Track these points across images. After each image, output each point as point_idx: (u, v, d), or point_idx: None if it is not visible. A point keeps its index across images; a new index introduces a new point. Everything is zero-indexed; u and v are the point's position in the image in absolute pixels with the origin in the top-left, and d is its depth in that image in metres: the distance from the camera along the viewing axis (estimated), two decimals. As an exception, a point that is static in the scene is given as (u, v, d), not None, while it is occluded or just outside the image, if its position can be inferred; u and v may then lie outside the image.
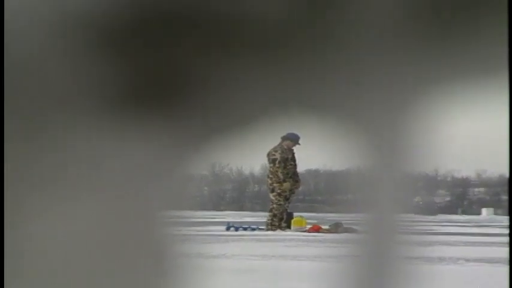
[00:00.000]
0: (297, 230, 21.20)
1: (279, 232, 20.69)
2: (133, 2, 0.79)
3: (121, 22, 0.79)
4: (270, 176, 22.22)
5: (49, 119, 0.78)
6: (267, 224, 22.39)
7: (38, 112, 0.78)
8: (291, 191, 22.22)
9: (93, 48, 0.77)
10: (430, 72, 0.80)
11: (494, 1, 0.77)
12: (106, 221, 0.76)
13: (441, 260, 8.91)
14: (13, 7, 0.81)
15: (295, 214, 22.52)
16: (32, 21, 0.80)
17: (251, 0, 0.78)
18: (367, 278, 0.78)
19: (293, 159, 21.68)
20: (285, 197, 22.03)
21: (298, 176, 22.26)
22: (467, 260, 11.73)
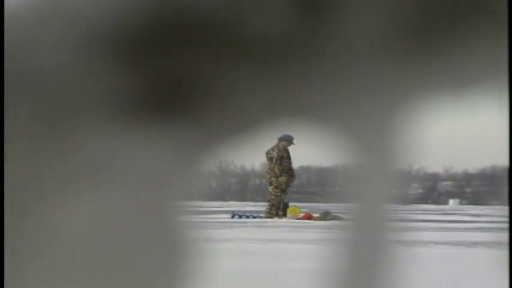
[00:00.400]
0: (291, 218, 21.30)
1: (276, 219, 20.90)
2: (144, 15, 0.78)
3: (133, 34, 0.78)
4: (269, 171, 22.54)
5: (69, 122, 0.77)
6: (266, 213, 22.64)
7: (57, 117, 0.77)
8: (287, 184, 22.56)
9: (108, 59, 0.76)
10: (415, 80, 0.79)
11: (481, 10, 0.76)
12: (130, 211, 0.75)
13: (415, 243, 8.86)
14: (29, 19, 0.79)
15: (290, 204, 22.72)
16: (50, 32, 0.78)
17: (254, 17, 0.77)
18: (353, 258, 0.77)
19: (288, 157, 22.01)
20: (281, 189, 22.37)
21: (292, 171, 22.59)
22: (437, 243, 11.68)
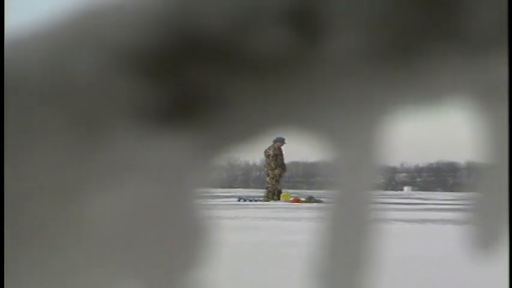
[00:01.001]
0: (284, 201, 22.07)
1: (272, 202, 21.67)
2: (164, 37, 0.73)
3: (155, 52, 0.74)
4: (266, 166, 23.55)
5: (103, 126, 0.73)
6: (265, 197, 23.44)
7: (93, 121, 0.73)
8: (280, 175, 23.50)
9: (135, 73, 0.73)
10: (389, 93, 0.76)
11: (454, 32, 0.72)
12: (157, 199, 0.73)
13: (379, 220, 8.92)
14: (70, 37, 0.74)
15: (283, 190, 23.31)
16: (87, 49, 0.74)
17: (255, 38, 0.73)
18: (332, 232, 0.76)
19: (281, 154, 22.96)
20: (276, 179, 23.26)
21: (284, 165, 23.55)
22: (396, 220, 11.81)
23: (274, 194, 23.01)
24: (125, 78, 0.72)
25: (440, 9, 0.71)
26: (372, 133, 0.78)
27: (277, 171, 22.92)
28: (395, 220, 11.97)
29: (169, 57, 0.72)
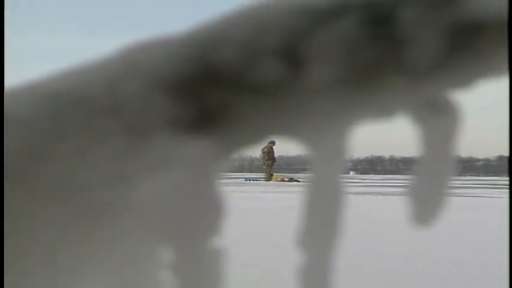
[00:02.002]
0: (275, 181, 22.53)
1: (267, 182, 22.01)
2: (188, 67, 0.67)
3: (183, 78, 0.68)
4: (262, 158, 24.50)
5: (148, 133, 0.67)
6: (264, 179, 24.04)
7: (140, 130, 0.67)
8: (272, 165, 24.39)
9: (168, 94, 0.67)
10: (353, 109, 0.70)
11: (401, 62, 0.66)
12: (189, 184, 0.66)
13: (339, 193, 9.10)
14: (120, 67, 0.69)
15: (274, 174, 23.87)
16: (136, 76, 0.68)
17: (256, 67, 0.66)
18: (309, 201, 0.72)
19: (272, 151, 23.81)
20: (269, 167, 23.87)
21: (274, 158, 24.54)
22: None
23: (268, 176, 23.56)
24: (162, 98, 0.67)
25: (391, 47, 0.65)
26: (337, 137, 0.71)
27: (269, 162, 23.77)
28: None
29: (193, 82, 0.67)
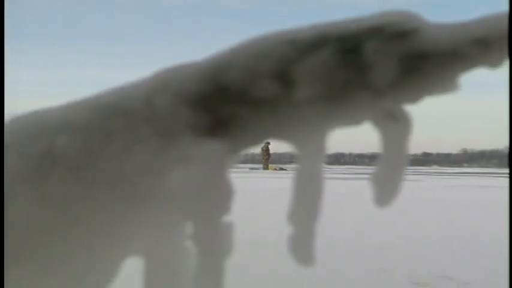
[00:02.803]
0: (270, 170, 22.67)
1: (264, 171, 22.11)
2: (206, 86, 0.64)
3: (201, 96, 0.64)
4: (261, 154, 24.53)
5: (174, 137, 0.63)
6: (262, 168, 24.13)
7: (168, 135, 0.63)
8: (268, 159, 24.29)
9: (190, 108, 0.63)
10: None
11: None
12: (209, 172, 0.63)
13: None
14: (156, 82, 0.66)
15: (270, 165, 23.97)
16: (168, 94, 0.64)
17: (255, 87, 0.64)
18: (295, 186, 0.68)
19: (268, 149, 23.99)
20: (266, 160, 23.92)
21: (270, 154, 24.39)
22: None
23: (265, 167, 23.70)
24: (186, 109, 0.63)
25: (359, 71, 0.61)
26: (317, 140, 0.67)
27: (266, 157, 24.19)
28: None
29: (209, 97, 0.63)
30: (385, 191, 0.62)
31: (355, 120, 0.64)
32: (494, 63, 0.61)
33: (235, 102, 0.64)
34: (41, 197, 0.63)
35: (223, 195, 0.64)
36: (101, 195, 0.63)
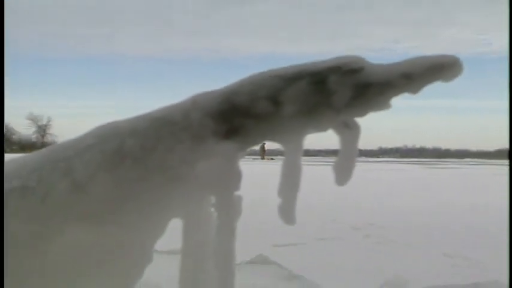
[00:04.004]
0: (265, 160, 21.77)
1: (262, 160, 21.21)
2: (224, 105, 0.60)
3: (219, 111, 0.61)
4: (260, 150, 23.31)
5: (195, 141, 0.59)
6: (260, 159, 23.20)
7: (192, 140, 0.60)
8: (264, 153, 23.25)
9: (211, 119, 0.60)
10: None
11: None
12: (222, 163, 0.60)
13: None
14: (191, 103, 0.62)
15: (265, 157, 23.13)
16: (197, 108, 0.60)
17: (260, 106, 0.60)
18: (283, 171, 0.63)
19: (264, 147, 22.61)
20: (263, 154, 22.95)
21: (265, 150, 23.32)
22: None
23: (262, 158, 23.10)
24: (209, 121, 0.60)
25: (325, 95, 0.59)
26: (297, 141, 0.64)
27: (263, 152, 23.17)
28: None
29: (225, 113, 0.60)
30: (343, 174, 0.60)
31: (322, 129, 0.62)
32: (415, 91, 0.59)
33: (242, 116, 0.61)
34: (115, 179, 0.60)
35: (234, 178, 0.61)
36: (155, 178, 0.60)
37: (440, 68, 0.55)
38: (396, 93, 0.59)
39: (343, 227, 2.42)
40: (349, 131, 0.60)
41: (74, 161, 0.58)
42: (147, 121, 0.62)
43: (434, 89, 0.58)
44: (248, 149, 0.66)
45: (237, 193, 0.61)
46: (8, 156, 0.65)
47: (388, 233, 2.30)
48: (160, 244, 0.64)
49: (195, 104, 0.62)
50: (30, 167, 0.59)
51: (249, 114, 0.61)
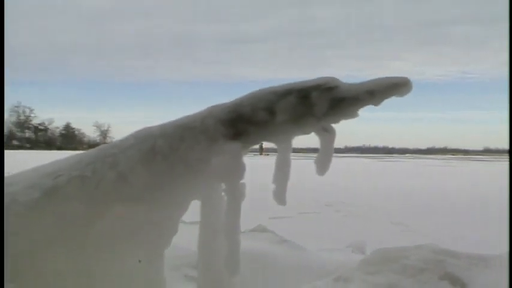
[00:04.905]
0: (263, 155, 20.79)
1: (260, 156, 20.18)
2: (232, 115, 0.56)
3: (227, 120, 0.57)
4: (259, 148, 21.96)
5: (211, 140, 0.55)
6: (259, 154, 21.99)
7: (208, 141, 0.55)
8: (262, 150, 21.86)
9: (222, 126, 0.56)
10: None
11: None
12: (231, 158, 0.55)
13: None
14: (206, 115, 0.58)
15: (263, 153, 22.14)
16: (211, 117, 0.56)
17: (263, 114, 0.56)
18: (275, 165, 0.59)
19: (262, 146, 21.20)
20: (261, 151, 21.75)
21: (263, 148, 21.65)
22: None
23: (260, 154, 22.33)
24: (221, 126, 0.57)
25: (307, 107, 0.55)
26: (287, 141, 0.60)
27: (261, 149, 22.03)
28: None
29: (233, 120, 0.57)
30: (323, 167, 0.56)
31: (306, 132, 0.59)
32: (377, 104, 0.56)
33: (246, 123, 0.57)
34: (149, 171, 0.57)
35: (239, 170, 0.58)
36: (179, 170, 0.57)
37: (397, 86, 0.54)
38: (363, 106, 0.56)
39: (319, 204, 2.51)
40: (327, 134, 0.57)
41: (118, 157, 0.56)
42: (173, 126, 0.60)
43: (386, 103, 0.56)
44: (250, 148, 0.63)
45: (242, 181, 0.58)
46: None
47: (352, 208, 2.40)
48: (186, 217, 0.61)
49: (210, 113, 0.59)
50: (86, 161, 0.57)
51: (250, 121, 0.58)
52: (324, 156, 0.58)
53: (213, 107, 0.60)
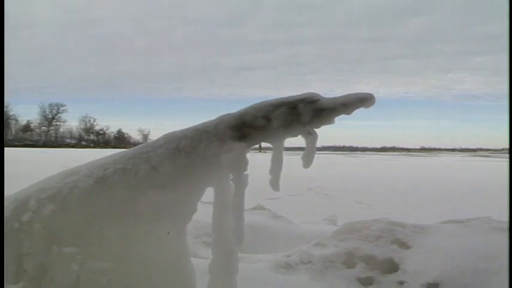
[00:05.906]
0: (262, 153, 20.19)
1: (259, 152, 19.55)
2: (233, 121, 0.55)
3: (233, 126, 0.55)
4: (258, 147, 21.27)
5: (220, 143, 0.53)
6: (258, 151, 21.32)
7: (219, 143, 0.54)
8: (260, 148, 20.87)
9: (231, 131, 0.54)
10: None
11: None
12: (235, 154, 0.53)
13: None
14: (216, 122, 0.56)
15: (262, 151, 21.37)
16: (223, 122, 0.54)
17: (259, 123, 0.54)
18: (273, 158, 0.56)
19: (261, 145, 20.12)
20: (260, 148, 21.07)
21: (261, 147, 20.37)
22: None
23: (259, 151, 21.85)
24: (229, 131, 0.55)
25: (296, 116, 0.54)
26: (281, 142, 0.57)
27: (259, 148, 20.77)
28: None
29: (239, 125, 0.55)
30: (307, 161, 0.55)
31: (295, 135, 0.57)
32: (349, 113, 0.55)
33: (249, 128, 0.56)
34: (175, 164, 0.55)
35: (244, 164, 0.56)
36: (198, 164, 0.55)
37: (364, 100, 0.54)
38: (338, 115, 0.55)
39: (303, 189, 2.69)
40: (311, 137, 0.56)
41: (151, 154, 0.56)
42: (193, 130, 0.58)
43: (354, 113, 0.54)
44: (252, 147, 0.61)
45: (245, 172, 0.56)
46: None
47: (328, 191, 2.59)
48: (203, 199, 0.60)
49: (221, 120, 0.57)
50: (127, 156, 0.57)
51: (252, 126, 0.56)
52: (308, 154, 0.56)
53: (223, 115, 0.59)
